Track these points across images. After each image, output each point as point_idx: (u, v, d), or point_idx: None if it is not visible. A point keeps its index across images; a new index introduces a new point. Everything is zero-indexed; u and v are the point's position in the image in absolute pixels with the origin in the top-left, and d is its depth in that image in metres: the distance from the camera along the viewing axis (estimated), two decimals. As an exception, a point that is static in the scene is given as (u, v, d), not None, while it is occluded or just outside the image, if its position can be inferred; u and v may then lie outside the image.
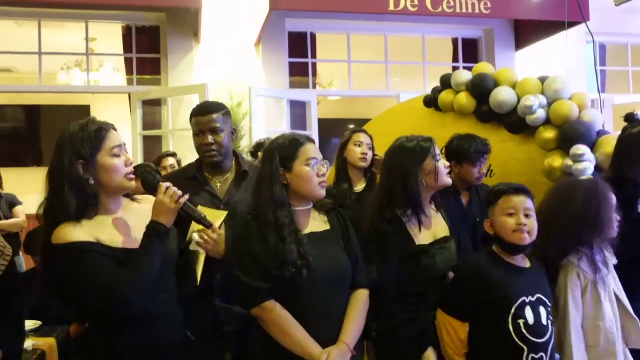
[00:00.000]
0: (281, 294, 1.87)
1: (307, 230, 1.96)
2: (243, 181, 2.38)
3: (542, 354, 1.99)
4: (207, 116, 2.37)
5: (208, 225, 1.77)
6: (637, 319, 2.23)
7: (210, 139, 2.35)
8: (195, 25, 5.28)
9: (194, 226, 1.87)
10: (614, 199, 2.22)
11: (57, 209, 1.71)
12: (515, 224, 2.04)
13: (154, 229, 1.71)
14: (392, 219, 2.13)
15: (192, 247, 1.87)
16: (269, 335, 1.87)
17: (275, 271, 1.84)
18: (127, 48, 5.70)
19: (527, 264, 2.12)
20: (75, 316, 3.05)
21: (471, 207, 3.09)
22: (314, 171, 1.94)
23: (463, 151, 3.01)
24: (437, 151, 2.18)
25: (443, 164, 2.16)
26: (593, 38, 4.23)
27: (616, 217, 2.20)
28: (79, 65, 6.85)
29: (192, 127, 2.42)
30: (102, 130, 1.76)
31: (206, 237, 1.82)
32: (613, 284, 2.22)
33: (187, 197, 1.73)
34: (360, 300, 1.98)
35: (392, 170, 2.19)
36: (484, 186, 3.17)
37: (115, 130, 1.82)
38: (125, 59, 5.77)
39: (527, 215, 2.05)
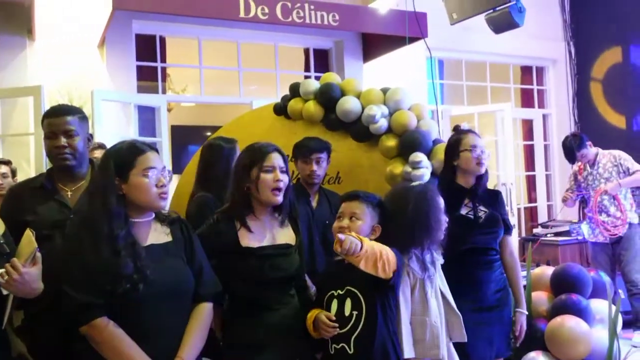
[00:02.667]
0: (115, 310, 1.76)
1: (146, 243, 1.87)
2: None
3: (343, 344, 2.09)
4: (60, 117, 2.24)
5: (2, 252, 1.60)
6: (460, 315, 2.40)
7: (63, 141, 2.21)
8: (28, 21, 4.83)
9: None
10: (442, 202, 2.39)
11: None
12: (337, 226, 2.21)
13: None
14: (220, 219, 2.18)
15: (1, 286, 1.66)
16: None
17: (107, 286, 1.73)
18: (-53, 43, 5.07)
19: None
20: None
21: (321, 210, 3.19)
22: (153, 181, 1.85)
23: (296, 148, 3.24)
24: (268, 162, 2.16)
25: (272, 178, 2.15)
26: (430, 53, 4.54)
27: (445, 219, 2.37)
28: None
29: (44, 129, 2.27)
30: None
31: (7, 278, 1.62)
32: (439, 281, 2.38)
33: None
34: (201, 313, 1.93)
35: (234, 169, 2.26)
36: (334, 193, 3.27)
37: None
38: (-55, 55, 5.13)
39: (351, 218, 2.21)
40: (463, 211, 2.73)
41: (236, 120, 4.32)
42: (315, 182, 3.21)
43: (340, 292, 2.14)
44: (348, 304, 2.11)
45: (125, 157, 1.87)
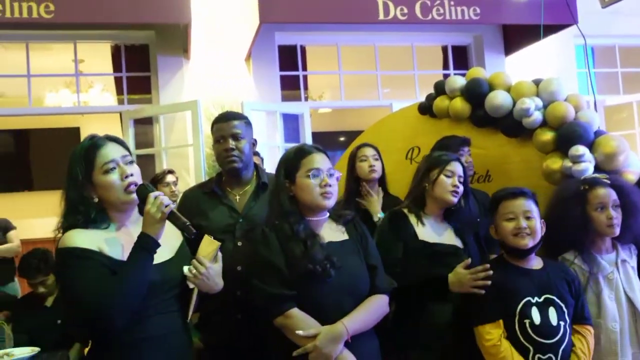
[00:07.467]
0: (300, 306, 1.86)
1: (324, 241, 1.95)
2: (262, 193, 2.36)
3: (550, 354, 1.98)
4: (228, 122, 2.38)
5: (191, 234, 1.71)
6: None
7: (231, 144, 2.34)
8: (185, 41, 5.25)
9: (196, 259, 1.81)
10: (597, 197, 2.23)
11: (68, 219, 1.73)
12: (514, 228, 2.07)
13: (139, 241, 1.66)
14: (393, 215, 2.35)
15: (188, 280, 1.80)
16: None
17: (301, 270, 1.84)
18: (117, 67, 5.65)
19: (537, 265, 2.11)
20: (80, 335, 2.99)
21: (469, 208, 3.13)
22: (316, 182, 1.92)
23: (444, 146, 3.13)
24: (450, 167, 2.30)
25: (451, 182, 2.28)
26: (585, 39, 4.24)
27: (607, 215, 2.19)
28: (67, 86, 6.80)
29: (213, 135, 2.42)
30: (91, 149, 1.74)
31: (194, 272, 1.74)
32: (625, 284, 2.19)
33: (172, 205, 1.69)
34: (374, 300, 1.95)
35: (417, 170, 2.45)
36: (480, 191, 3.17)
37: (116, 141, 1.79)
38: (115, 78, 5.73)
39: (527, 218, 2.07)
40: None
41: (379, 123, 4.35)
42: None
43: (539, 300, 2.04)
44: (552, 313, 2.03)
45: (292, 160, 1.99)
